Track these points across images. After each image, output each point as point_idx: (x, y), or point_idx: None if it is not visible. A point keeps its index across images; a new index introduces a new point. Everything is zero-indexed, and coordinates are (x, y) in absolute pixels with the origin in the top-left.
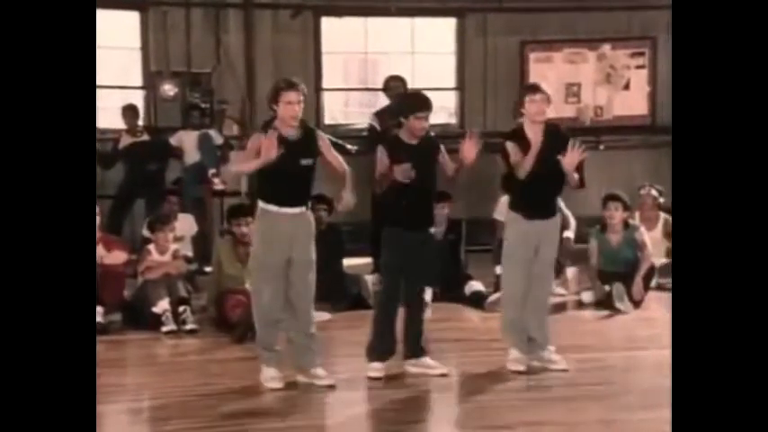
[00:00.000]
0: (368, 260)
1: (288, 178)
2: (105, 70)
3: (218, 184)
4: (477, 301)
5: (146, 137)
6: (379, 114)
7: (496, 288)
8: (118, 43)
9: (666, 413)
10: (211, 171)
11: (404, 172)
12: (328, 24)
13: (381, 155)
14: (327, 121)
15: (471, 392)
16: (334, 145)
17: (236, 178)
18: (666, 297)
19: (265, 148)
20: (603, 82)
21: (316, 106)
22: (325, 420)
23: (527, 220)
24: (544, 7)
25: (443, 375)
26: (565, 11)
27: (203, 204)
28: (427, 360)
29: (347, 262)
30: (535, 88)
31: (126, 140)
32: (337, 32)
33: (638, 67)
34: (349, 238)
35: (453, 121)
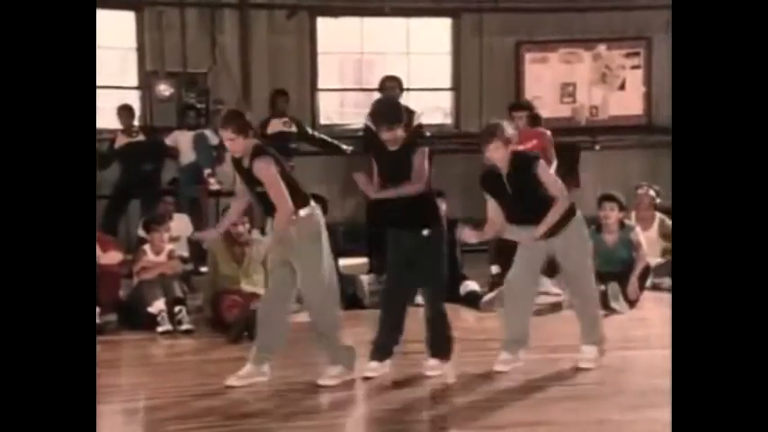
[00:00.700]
0: (363, 260)
1: None
2: (101, 70)
3: (213, 185)
4: (473, 300)
5: (141, 137)
6: None
7: (491, 288)
8: (113, 43)
9: (662, 413)
10: (207, 171)
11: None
12: (324, 25)
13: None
14: (323, 121)
15: (467, 392)
16: (330, 145)
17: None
18: (662, 297)
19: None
20: (599, 82)
21: (311, 106)
22: (324, 421)
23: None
24: (540, 7)
25: (439, 375)
26: (560, 11)
27: (199, 204)
28: (429, 361)
29: (343, 262)
30: (491, 134)
31: (121, 140)
32: (333, 33)
33: (634, 67)
34: (344, 238)
35: (449, 121)
